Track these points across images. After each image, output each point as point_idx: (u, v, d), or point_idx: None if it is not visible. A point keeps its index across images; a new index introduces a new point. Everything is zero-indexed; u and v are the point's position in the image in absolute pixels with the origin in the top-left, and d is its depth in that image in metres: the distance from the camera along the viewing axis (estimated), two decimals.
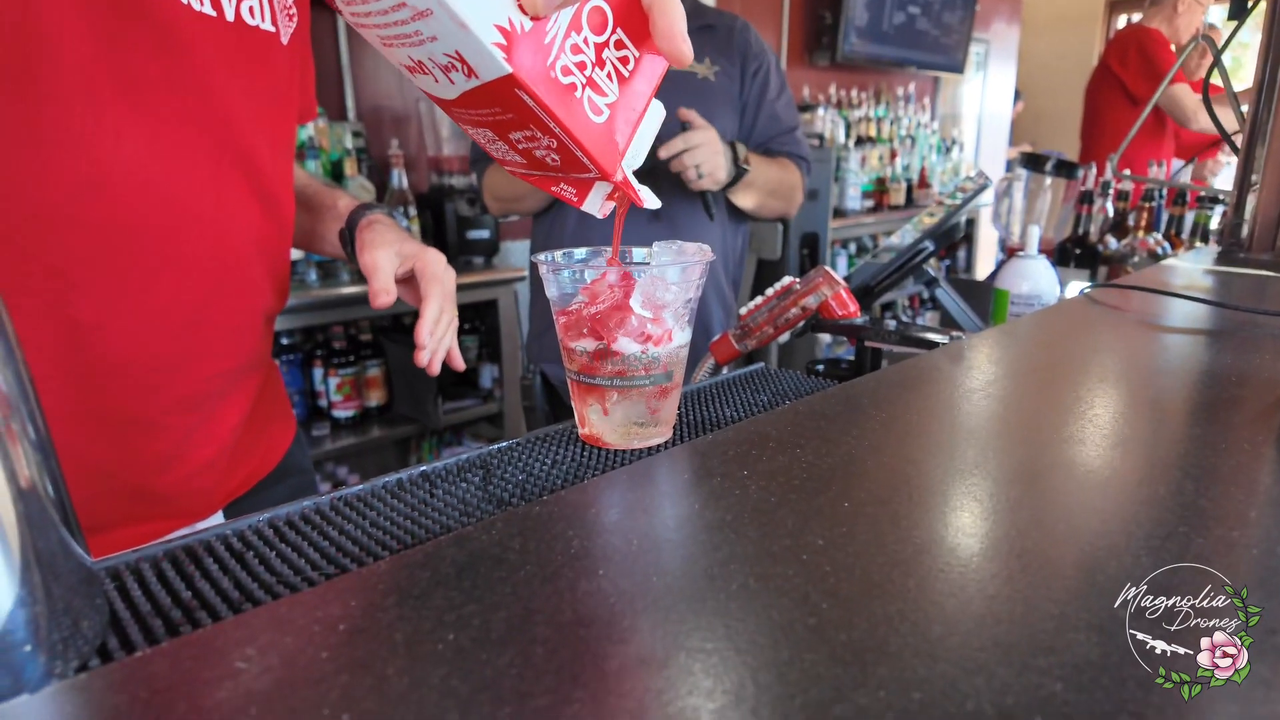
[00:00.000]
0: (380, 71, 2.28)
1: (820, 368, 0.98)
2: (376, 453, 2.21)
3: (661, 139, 1.20)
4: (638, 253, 0.52)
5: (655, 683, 0.25)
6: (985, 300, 1.33)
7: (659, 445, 0.50)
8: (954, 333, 0.90)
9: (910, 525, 0.35)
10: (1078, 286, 1.28)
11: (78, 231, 0.51)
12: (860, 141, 3.67)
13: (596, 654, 0.27)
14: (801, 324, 0.97)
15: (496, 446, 0.50)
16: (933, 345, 0.85)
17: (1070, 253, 1.69)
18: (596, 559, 0.33)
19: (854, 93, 3.79)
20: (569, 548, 0.34)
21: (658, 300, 0.46)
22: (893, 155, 3.77)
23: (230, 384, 0.65)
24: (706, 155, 1.22)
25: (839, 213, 3.45)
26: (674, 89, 1.37)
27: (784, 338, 0.99)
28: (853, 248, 3.76)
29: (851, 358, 0.97)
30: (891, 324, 0.93)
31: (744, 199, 1.41)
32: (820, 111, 3.45)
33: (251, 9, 0.58)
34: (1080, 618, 0.28)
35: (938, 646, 0.27)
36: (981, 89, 4.59)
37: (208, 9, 0.54)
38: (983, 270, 4.25)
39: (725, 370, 1.01)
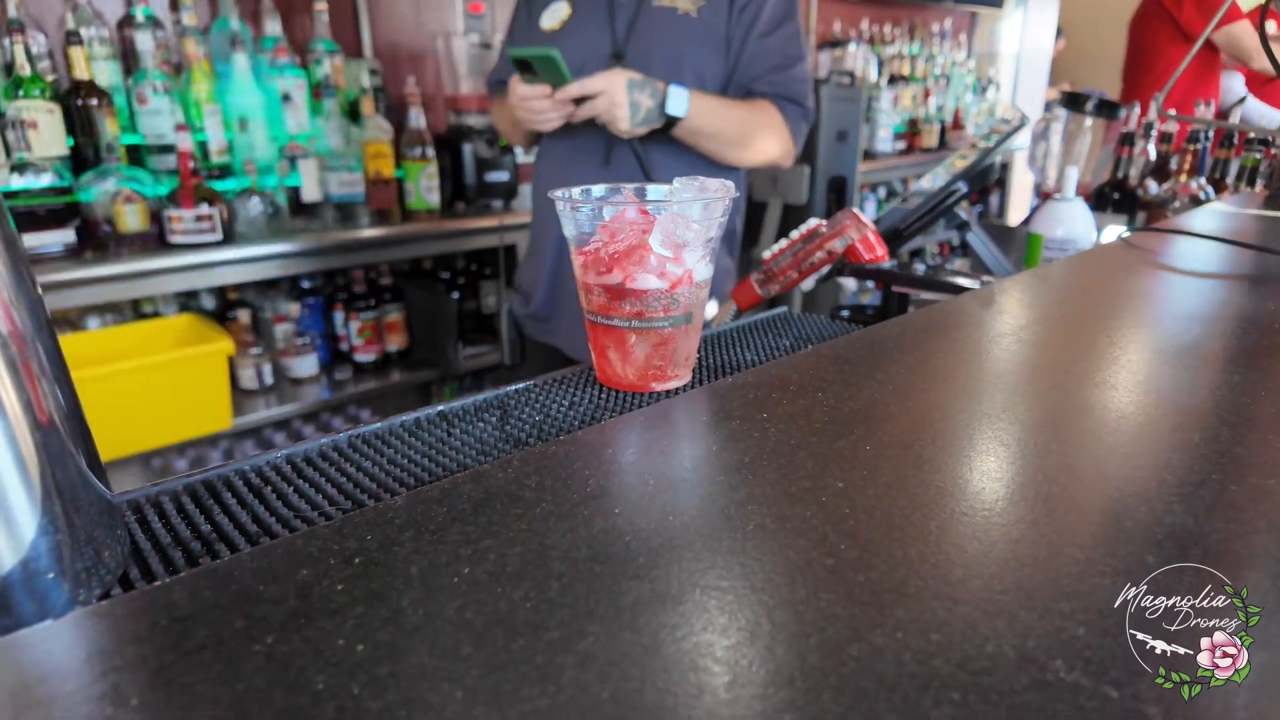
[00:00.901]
0: (397, 6, 2.23)
1: (845, 313, 0.97)
2: (397, 397, 2.24)
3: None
4: (657, 189, 0.51)
5: (669, 618, 0.25)
6: (1018, 246, 1.29)
7: (678, 388, 0.50)
8: (985, 278, 0.87)
9: (933, 469, 0.34)
10: (1114, 231, 1.24)
11: None
12: (893, 80, 3.54)
13: (611, 590, 0.26)
14: (827, 268, 0.95)
15: (514, 388, 0.49)
16: (962, 290, 0.83)
17: (1108, 198, 1.63)
18: (613, 498, 0.33)
19: (887, 28, 3.65)
20: (585, 486, 0.34)
21: (678, 239, 0.45)
22: (926, 95, 3.65)
23: None
24: (603, 105, 1.20)
25: (869, 155, 3.36)
26: (652, 27, 1.30)
27: (808, 284, 0.97)
28: (882, 192, 3.67)
29: (878, 304, 0.95)
30: (920, 268, 0.91)
31: (699, 146, 1.32)
32: (851, 47, 3.33)
33: None
34: (1106, 564, 0.27)
35: (958, 589, 0.26)
36: (1021, 25, 4.40)
37: None
38: (1016, 216, 4.14)
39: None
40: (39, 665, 0.23)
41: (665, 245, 0.45)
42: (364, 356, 2.08)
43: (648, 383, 0.49)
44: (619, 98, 1.20)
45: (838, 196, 3.03)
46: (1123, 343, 0.51)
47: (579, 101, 1.21)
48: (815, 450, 0.36)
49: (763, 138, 1.33)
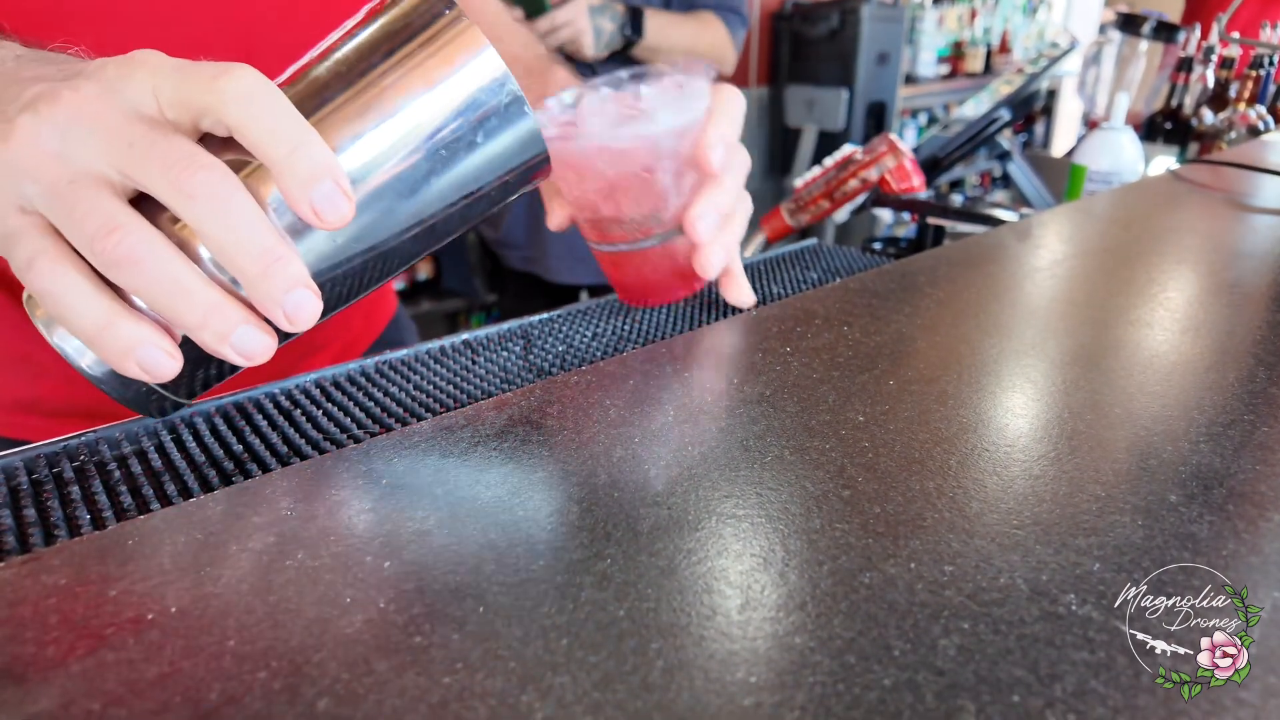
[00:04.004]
0: None
1: (878, 245, 0.95)
2: (426, 325, 2.26)
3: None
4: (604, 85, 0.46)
5: (685, 544, 0.25)
6: (1061, 178, 1.25)
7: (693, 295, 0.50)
8: (1024, 209, 0.85)
9: (957, 404, 0.34)
10: (1163, 163, 1.18)
11: None
12: (938, 0, 3.38)
13: (629, 515, 0.27)
14: (861, 198, 0.93)
15: (538, 318, 0.50)
16: (1000, 223, 0.80)
17: (1159, 127, 1.56)
18: (633, 427, 0.33)
19: None
20: (606, 416, 0.34)
21: (652, 165, 0.42)
22: (973, 16, 3.48)
23: None
24: (567, 35, 1.26)
25: (910, 79, 3.23)
26: None
27: (841, 214, 0.95)
28: (923, 118, 3.54)
29: (913, 236, 0.93)
30: (958, 200, 0.88)
31: (654, 61, 1.38)
32: None
33: None
34: (1127, 501, 0.27)
35: (975, 523, 0.26)
36: None
37: None
38: (1061, 147, 3.98)
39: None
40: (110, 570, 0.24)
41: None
42: (394, 285, 2.10)
43: (662, 296, 0.49)
44: (582, 24, 1.27)
45: (877, 123, 2.93)
46: (1162, 279, 0.50)
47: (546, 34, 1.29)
48: (837, 384, 0.36)
49: (710, 48, 1.44)
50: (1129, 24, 1.68)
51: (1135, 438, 0.31)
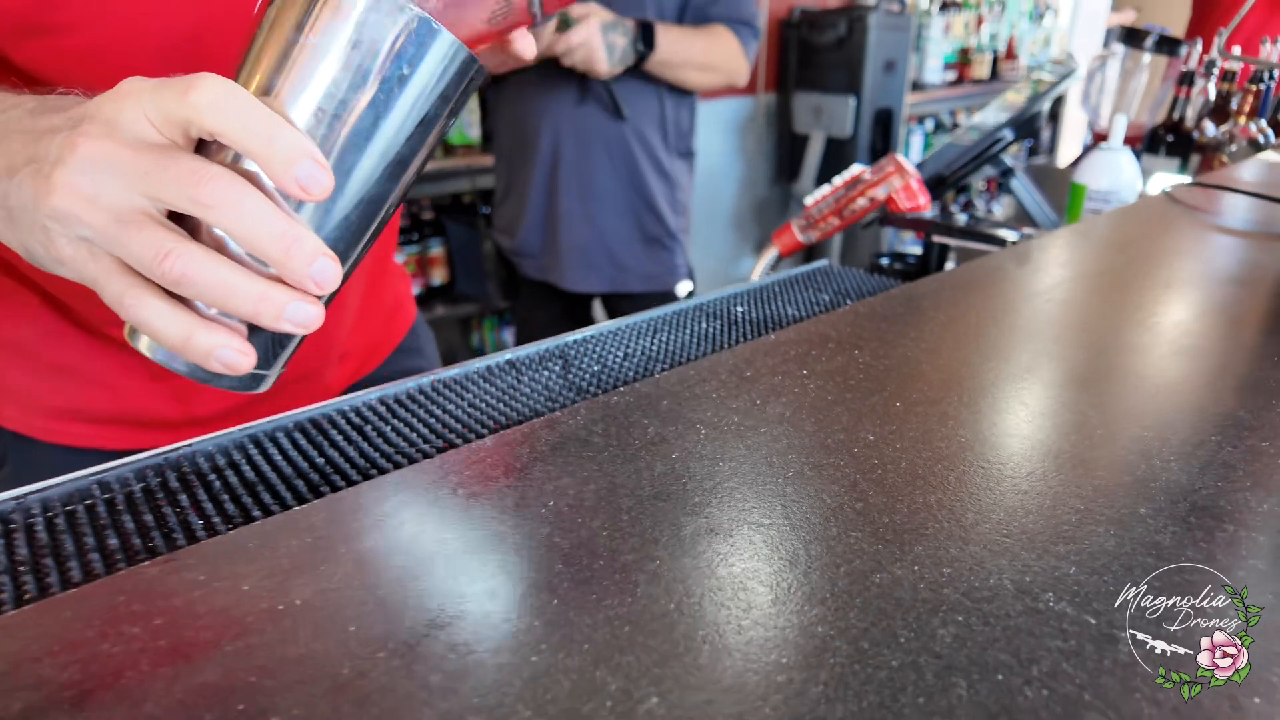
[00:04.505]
0: None
1: (885, 261, 0.99)
2: (440, 329, 2.31)
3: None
4: None
5: (722, 548, 0.30)
6: (1064, 190, 1.29)
7: (723, 355, 0.54)
8: (1025, 229, 0.89)
9: (957, 425, 0.38)
10: (1161, 180, 1.22)
11: None
12: (944, 7, 3.41)
13: (672, 522, 0.31)
14: (869, 215, 0.97)
15: (573, 338, 0.54)
16: (1002, 242, 0.85)
17: (1161, 139, 1.60)
18: (670, 444, 0.37)
19: None
20: (645, 434, 0.38)
21: None
22: (979, 22, 3.51)
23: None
24: (581, 56, 1.28)
25: (917, 86, 3.26)
26: None
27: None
28: (930, 124, 3.58)
29: (919, 250, 0.97)
30: (962, 218, 0.92)
31: (666, 75, 1.42)
32: None
33: None
34: (1102, 514, 0.31)
35: (970, 531, 0.31)
36: None
37: None
38: (1068, 153, 4.01)
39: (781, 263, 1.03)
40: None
41: None
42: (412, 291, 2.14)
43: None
44: (596, 44, 1.29)
45: (884, 129, 2.97)
46: (1152, 304, 0.54)
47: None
48: (850, 405, 0.40)
49: (722, 61, 1.46)
50: (1132, 38, 1.72)
51: (1114, 457, 0.36)
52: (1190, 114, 1.61)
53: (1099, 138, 1.68)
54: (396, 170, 0.34)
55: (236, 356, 0.32)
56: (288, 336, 0.36)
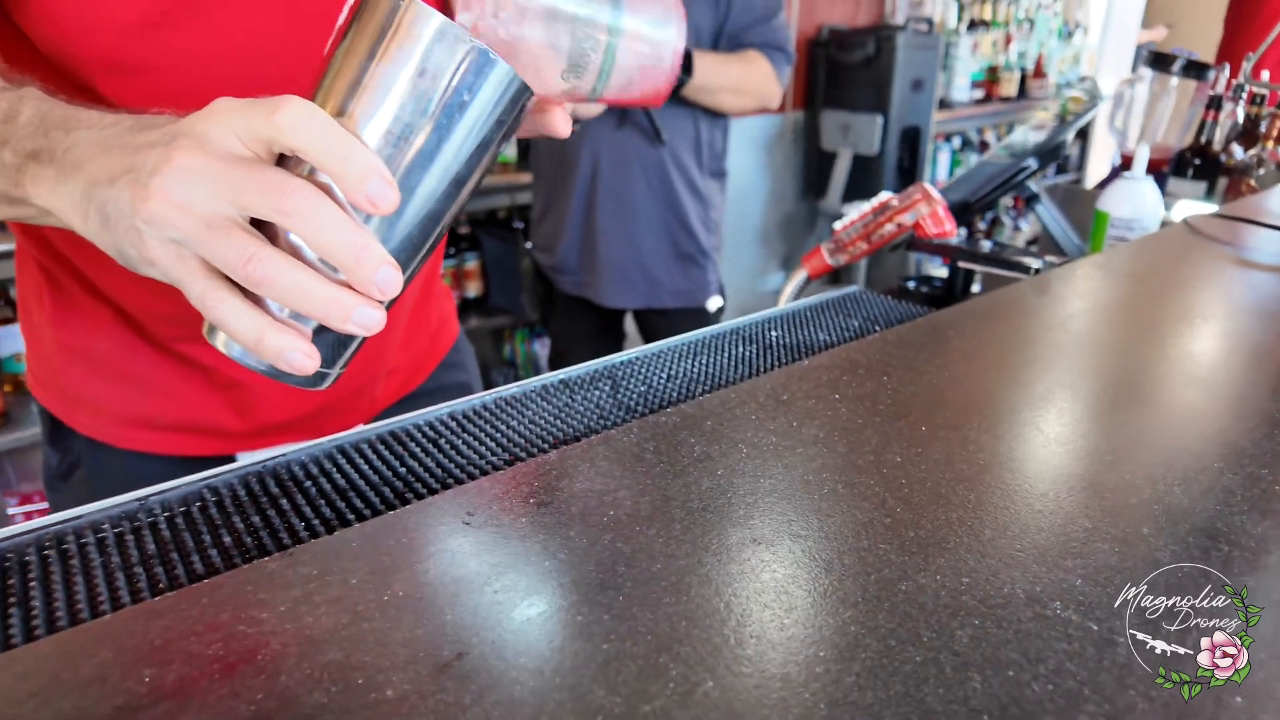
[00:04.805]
0: None
1: (912, 284, 1.02)
2: (473, 340, 2.37)
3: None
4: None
5: (765, 556, 0.34)
6: (1090, 211, 1.31)
7: (759, 376, 0.58)
8: (1048, 257, 0.92)
9: (978, 449, 0.42)
10: (1185, 208, 1.24)
11: None
12: (973, 25, 3.43)
13: (720, 532, 0.35)
14: (896, 240, 1.00)
15: (620, 360, 0.58)
16: (1025, 269, 0.88)
17: (1189, 162, 1.61)
18: (716, 461, 0.41)
19: None
20: (692, 451, 0.42)
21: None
22: (1007, 41, 3.52)
23: None
24: None
25: (944, 104, 3.28)
26: None
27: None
28: (957, 141, 3.60)
29: (945, 274, 1.01)
30: (986, 245, 0.96)
31: (702, 100, 1.47)
32: None
33: None
34: (1108, 532, 0.35)
35: (987, 546, 0.34)
36: None
37: None
38: (1096, 168, 4.00)
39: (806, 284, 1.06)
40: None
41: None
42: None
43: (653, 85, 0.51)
44: None
45: (911, 146, 3.00)
46: (1168, 337, 0.57)
47: None
48: (879, 429, 0.44)
49: (756, 86, 1.51)
50: (1159, 62, 1.73)
51: (1121, 481, 0.39)
52: (1218, 137, 1.62)
53: (1126, 160, 1.69)
54: (454, 189, 0.37)
55: (303, 359, 0.35)
56: (350, 339, 0.39)
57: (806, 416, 0.46)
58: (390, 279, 0.34)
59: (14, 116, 0.40)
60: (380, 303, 0.35)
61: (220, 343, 0.37)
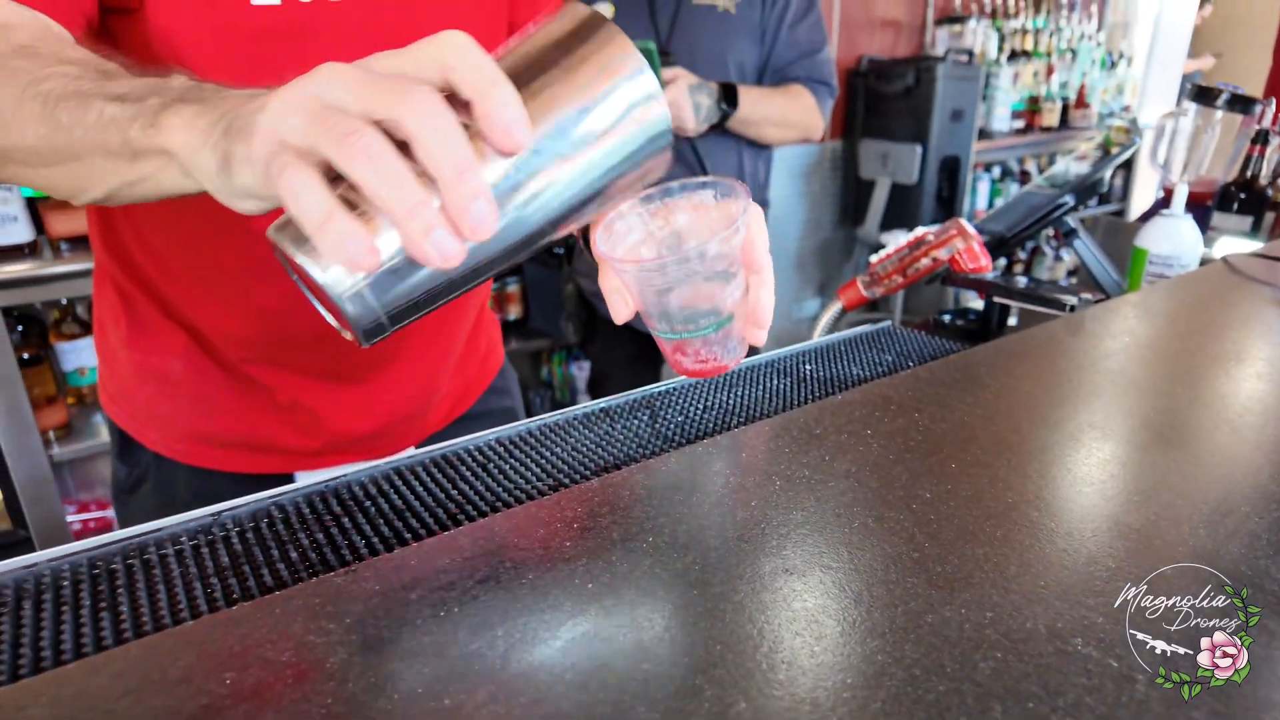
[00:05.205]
0: None
1: (948, 318, 1.03)
2: (513, 362, 2.41)
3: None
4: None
5: (797, 585, 0.36)
6: (1130, 245, 1.31)
7: (788, 411, 0.60)
8: (1084, 294, 0.92)
9: (1005, 487, 0.43)
10: (1227, 245, 1.23)
11: (245, 239, 0.61)
12: (1013, 56, 3.43)
13: (753, 561, 0.37)
14: (931, 274, 1.01)
15: (658, 390, 0.61)
16: (1061, 306, 0.88)
17: (1234, 196, 1.59)
18: (750, 492, 0.43)
19: (1011, 1, 3.51)
20: (728, 482, 0.44)
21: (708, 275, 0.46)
22: (1049, 71, 3.51)
23: (417, 343, 0.74)
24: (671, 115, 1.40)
25: (984, 134, 3.28)
26: (696, 24, 1.47)
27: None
28: (996, 171, 3.58)
29: (980, 307, 1.01)
30: (1023, 280, 0.96)
31: (746, 132, 1.51)
32: (971, 24, 3.24)
33: None
34: (1131, 573, 0.36)
35: (1011, 582, 0.36)
36: None
37: None
38: (1139, 198, 3.95)
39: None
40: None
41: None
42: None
43: (705, 368, 0.50)
44: (684, 104, 1.39)
45: (950, 176, 3.00)
46: (1197, 378, 0.58)
47: None
48: (909, 465, 0.46)
49: (800, 118, 1.55)
50: (1204, 96, 1.72)
51: (1146, 521, 0.40)
52: (1264, 172, 1.61)
53: (1169, 193, 1.68)
54: (571, 212, 0.38)
55: (363, 250, 0.31)
56: (418, 301, 0.37)
57: (839, 451, 0.47)
58: (484, 216, 0.32)
59: (166, 80, 0.41)
60: (462, 242, 0.32)
61: (288, 239, 0.34)
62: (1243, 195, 1.60)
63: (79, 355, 1.70)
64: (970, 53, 2.98)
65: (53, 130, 0.42)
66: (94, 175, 0.43)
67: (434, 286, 0.36)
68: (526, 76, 0.36)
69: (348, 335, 0.37)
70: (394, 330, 0.37)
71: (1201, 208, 1.54)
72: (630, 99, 0.37)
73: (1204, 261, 1.02)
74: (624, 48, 0.38)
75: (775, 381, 0.64)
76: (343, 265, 0.32)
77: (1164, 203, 1.20)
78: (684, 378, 0.63)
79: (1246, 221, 1.56)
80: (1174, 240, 0.97)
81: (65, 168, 0.44)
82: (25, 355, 1.58)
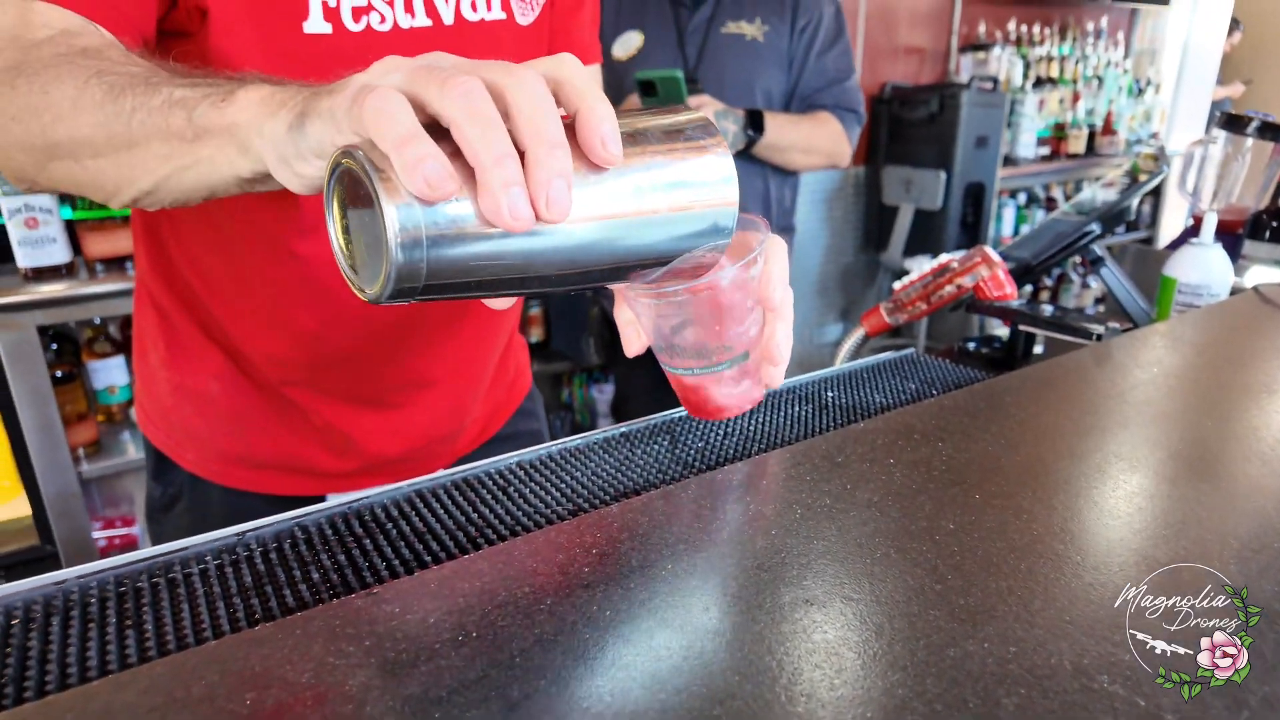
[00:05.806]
0: None
1: (973, 345, 1.03)
2: (536, 381, 2.43)
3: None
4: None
5: (817, 617, 0.35)
6: (1158, 274, 1.29)
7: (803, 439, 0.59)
8: (1111, 323, 0.91)
9: (1030, 519, 0.43)
10: (1259, 274, 1.22)
11: (289, 262, 0.63)
12: (1039, 83, 3.42)
13: (773, 591, 0.37)
14: (956, 301, 1.01)
15: (678, 414, 0.61)
16: (1087, 335, 0.87)
17: (1265, 224, 1.57)
18: (769, 521, 0.43)
19: (1036, 28, 3.51)
20: (747, 511, 0.44)
21: (723, 311, 0.47)
22: (1075, 98, 3.49)
23: (451, 367, 0.76)
24: None
25: (1009, 161, 3.27)
26: (724, 52, 1.51)
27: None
28: (1022, 198, 3.56)
29: (1005, 335, 1.00)
30: (1048, 309, 0.95)
31: (773, 158, 1.53)
32: (995, 51, 3.24)
33: (473, 4, 0.63)
34: (1158, 608, 0.35)
35: (1036, 615, 0.35)
36: (1189, 19, 4.11)
37: (422, 20, 0.60)
38: (1169, 224, 3.90)
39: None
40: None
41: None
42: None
43: (724, 409, 0.50)
44: None
45: (975, 202, 2.99)
46: (1226, 409, 0.57)
47: None
48: (933, 495, 0.45)
49: (826, 145, 1.57)
50: (1233, 124, 1.70)
51: (1174, 555, 0.39)
52: None
53: (1198, 221, 1.66)
54: (619, 252, 0.38)
55: (441, 174, 0.31)
56: (462, 273, 0.34)
57: (861, 480, 0.47)
58: (562, 197, 0.32)
59: (242, 75, 0.43)
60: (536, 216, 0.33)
61: (358, 160, 0.32)
62: (1275, 223, 1.58)
63: (110, 373, 1.73)
64: (995, 80, 2.98)
65: (112, 116, 0.43)
66: (146, 163, 0.44)
67: (484, 267, 0.35)
68: (626, 125, 0.38)
69: (364, 291, 0.35)
70: (415, 299, 0.35)
71: (1233, 236, 1.52)
72: (710, 178, 0.40)
73: (1235, 290, 1.00)
74: (722, 146, 0.40)
75: (797, 408, 0.63)
76: (416, 188, 0.31)
77: (1193, 231, 1.19)
78: None
79: (1278, 250, 1.54)
80: (1203, 269, 0.96)
81: (116, 157, 0.45)
82: (58, 373, 1.62)
